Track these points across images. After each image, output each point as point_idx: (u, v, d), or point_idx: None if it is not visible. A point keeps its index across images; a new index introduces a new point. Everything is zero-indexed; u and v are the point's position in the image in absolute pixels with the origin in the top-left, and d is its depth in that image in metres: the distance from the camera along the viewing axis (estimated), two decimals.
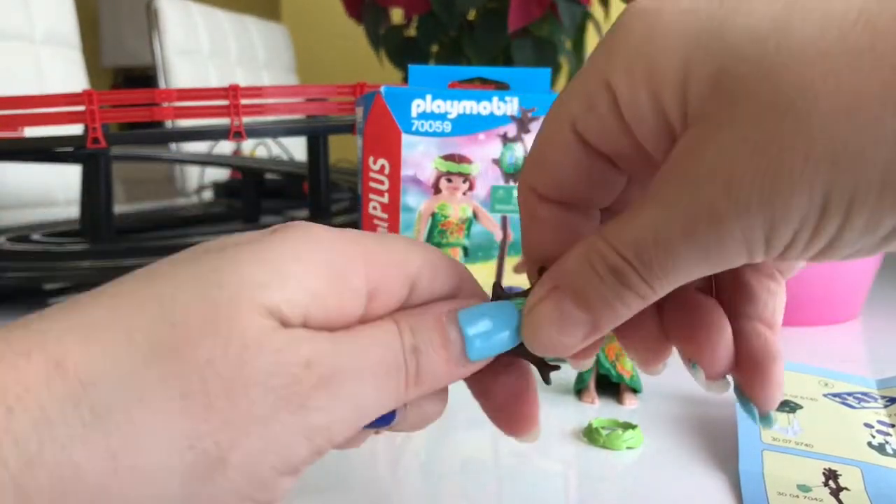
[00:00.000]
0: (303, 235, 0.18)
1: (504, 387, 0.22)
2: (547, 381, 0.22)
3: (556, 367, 0.22)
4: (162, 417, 0.16)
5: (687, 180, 0.16)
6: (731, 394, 0.35)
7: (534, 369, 0.22)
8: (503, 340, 0.20)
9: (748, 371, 0.21)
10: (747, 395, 0.21)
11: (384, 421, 0.20)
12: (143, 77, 3.44)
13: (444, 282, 0.20)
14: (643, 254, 0.17)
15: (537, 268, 0.21)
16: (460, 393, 0.38)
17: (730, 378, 0.21)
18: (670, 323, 0.21)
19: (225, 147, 1.35)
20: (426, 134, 0.40)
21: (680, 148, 0.17)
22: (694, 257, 0.16)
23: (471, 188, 0.41)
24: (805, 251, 0.16)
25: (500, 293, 0.22)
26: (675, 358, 0.45)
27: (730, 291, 0.21)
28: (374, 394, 0.18)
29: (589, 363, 0.22)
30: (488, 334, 0.20)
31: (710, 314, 0.21)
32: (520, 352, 0.21)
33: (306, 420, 0.17)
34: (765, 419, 0.21)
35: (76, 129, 0.61)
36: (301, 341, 0.17)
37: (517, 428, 0.22)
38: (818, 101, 0.14)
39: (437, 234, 0.41)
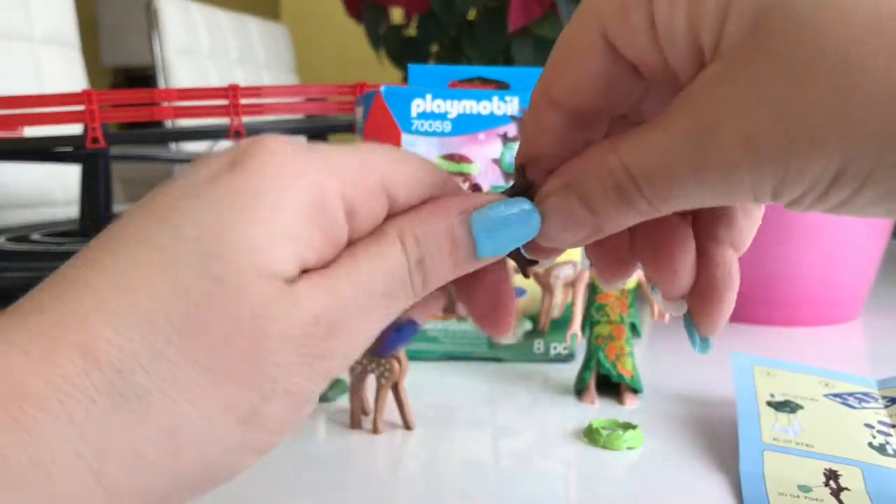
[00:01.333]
0: (269, 168, 0.18)
1: (486, 287, 0.22)
2: (526, 274, 0.22)
3: (535, 262, 0.22)
4: (199, 392, 0.17)
5: (707, 115, 0.16)
6: (730, 394, 0.35)
7: (511, 264, 0.22)
8: (513, 240, 0.20)
9: (704, 295, 0.21)
10: (695, 318, 0.21)
11: (406, 337, 0.21)
12: (142, 77, 3.44)
13: (424, 182, 0.20)
14: (651, 178, 0.17)
15: (523, 164, 0.21)
16: (460, 393, 0.38)
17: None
18: (639, 239, 0.21)
19: (225, 147, 1.35)
20: (426, 133, 0.40)
21: (707, 78, 0.16)
22: (700, 191, 0.17)
23: (471, 188, 0.41)
24: (812, 207, 0.16)
25: (522, 181, 0.21)
26: (674, 358, 0.45)
27: (707, 210, 0.21)
28: (382, 318, 0.19)
29: (557, 256, 0.22)
30: (500, 235, 0.20)
31: (678, 236, 0.21)
32: None
33: (323, 365, 0.18)
34: (704, 344, 0.21)
35: (76, 129, 0.61)
36: (304, 299, 0.17)
37: (498, 327, 0.22)
38: (863, 75, 0.14)
39: None
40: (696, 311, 0.21)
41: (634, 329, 0.37)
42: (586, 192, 0.19)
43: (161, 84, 1.45)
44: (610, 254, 0.22)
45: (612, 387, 0.37)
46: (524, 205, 0.20)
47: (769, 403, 0.32)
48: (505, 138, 0.40)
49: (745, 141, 0.15)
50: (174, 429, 0.16)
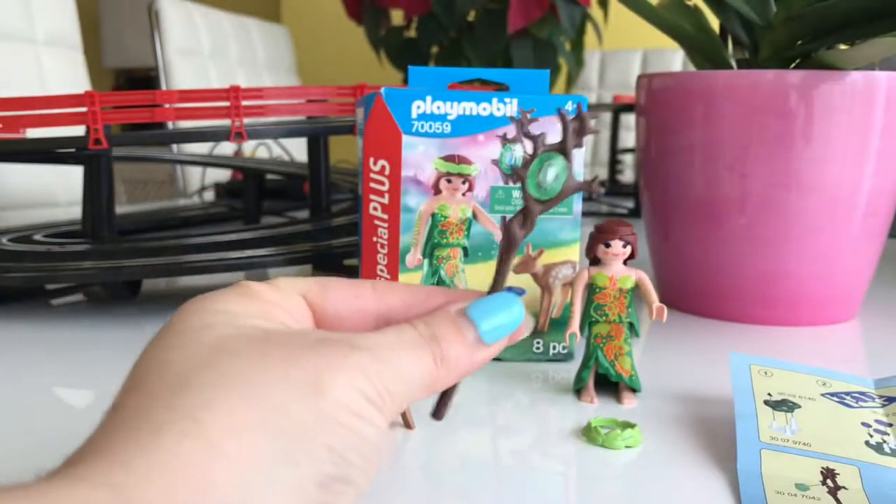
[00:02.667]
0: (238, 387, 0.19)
1: None
2: (439, 417, 0.26)
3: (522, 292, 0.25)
4: None
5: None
6: (728, 393, 0.35)
7: None
8: (510, 323, 0.24)
9: None
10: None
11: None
12: (144, 78, 3.45)
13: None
14: None
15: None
16: (460, 392, 0.38)
17: None
18: None
19: (226, 148, 1.35)
20: (426, 135, 0.40)
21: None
22: None
23: (470, 189, 0.41)
24: None
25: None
26: (672, 357, 0.45)
27: None
28: (414, 367, 0.21)
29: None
30: (496, 318, 0.23)
31: None
32: None
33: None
34: None
35: (78, 131, 0.61)
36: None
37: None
38: None
39: (436, 234, 0.41)
40: None
41: (633, 329, 0.37)
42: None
43: (162, 85, 1.45)
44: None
45: (610, 386, 0.38)
46: (508, 294, 0.24)
47: (766, 402, 0.32)
48: (504, 139, 0.40)
49: None
50: None
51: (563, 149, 0.24)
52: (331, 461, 0.19)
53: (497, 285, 0.25)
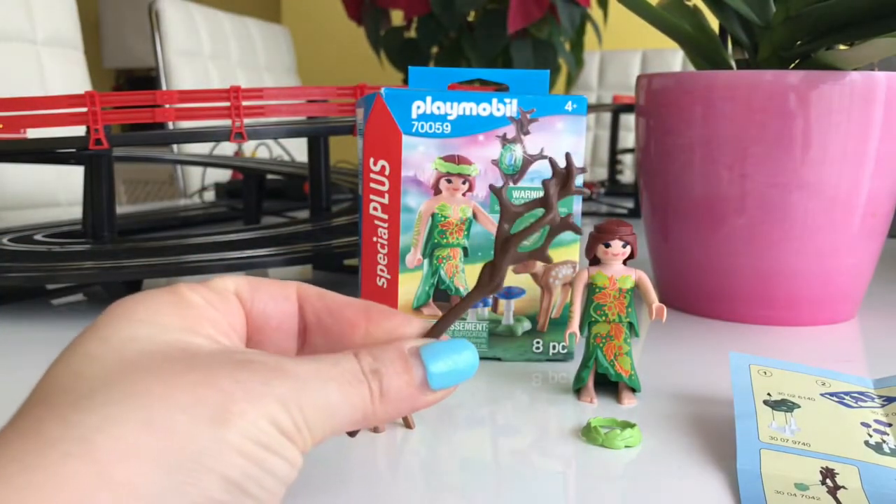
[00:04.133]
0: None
1: None
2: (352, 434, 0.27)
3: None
4: None
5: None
6: (727, 393, 0.35)
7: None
8: (462, 372, 0.23)
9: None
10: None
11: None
12: (144, 78, 3.45)
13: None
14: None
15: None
16: (460, 392, 0.38)
17: None
18: None
19: (226, 148, 1.35)
20: (426, 135, 0.40)
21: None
22: None
23: (470, 189, 0.41)
24: None
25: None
26: (672, 357, 0.45)
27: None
28: (340, 401, 0.21)
29: None
30: (449, 366, 0.23)
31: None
32: None
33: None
34: None
35: (78, 131, 0.61)
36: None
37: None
38: None
39: (436, 234, 0.41)
40: None
41: (633, 328, 0.37)
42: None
43: (163, 86, 1.45)
44: None
45: (610, 386, 0.38)
46: (464, 343, 0.24)
47: (766, 402, 0.32)
48: (504, 140, 0.41)
49: None
50: None
51: (545, 204, 0.24)
52: (224, 490, 0.18)
53: (444, 323, 0.25)
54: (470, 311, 0.42)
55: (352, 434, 0.25)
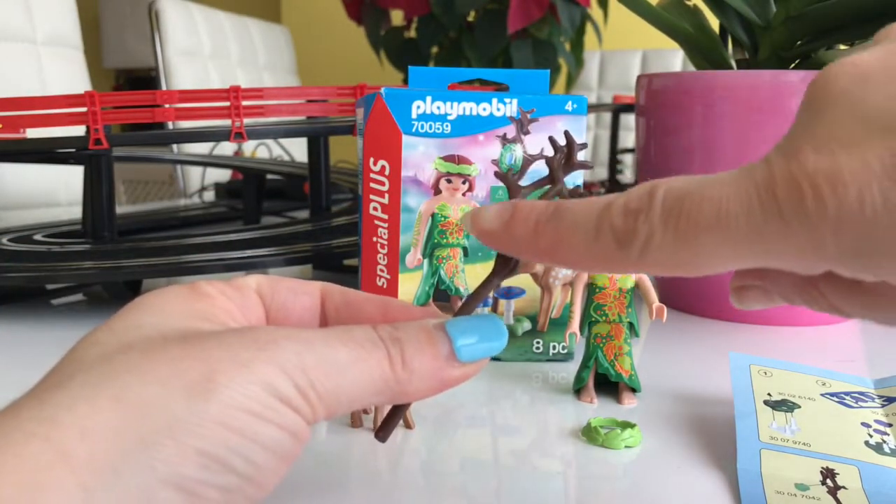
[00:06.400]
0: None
1: None
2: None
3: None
4: None
5: None
6: (728, 393, 0.35)
7: None
8: (492, 345, 0.22)
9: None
10: None
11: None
12: (144, 78, 3.45)
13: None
14: None
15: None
16: (460, 392, 0.38)
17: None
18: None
19: (226, 148, 1.35)
20: (426, 135, 0.40)
21: None
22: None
23: (470, 189, 0.41)
24: None
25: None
26: (672, 357, 0.45)
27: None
28: (350, 361, 0.19)
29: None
30: (474, 336, 0.21)
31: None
32: None
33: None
34: None
35: (78, 131, 0.61)
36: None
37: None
38: None
39: (436, 234, 0.41)
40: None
41: (633, 328, 0.37)
42: None
43: (162, 86, 1.45)
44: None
45: (610, 386, 0.38)
46: (488, 315, 0.22)
47: (766, 402, 0.32)
48: (504, 140, 0.41)
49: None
50: None
51: (552, 179, 0.24)
52: (201, 465, 0.17)
53: (464, 311, 0.24)
54: None
55: (381, 436, 0.23)
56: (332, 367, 0.19)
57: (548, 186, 0.24)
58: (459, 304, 0.24)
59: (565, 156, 0.24)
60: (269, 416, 0.18)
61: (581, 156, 0.25)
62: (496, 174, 0.25)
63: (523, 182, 0.25)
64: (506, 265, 0.23)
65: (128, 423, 0.17)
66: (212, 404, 0.17)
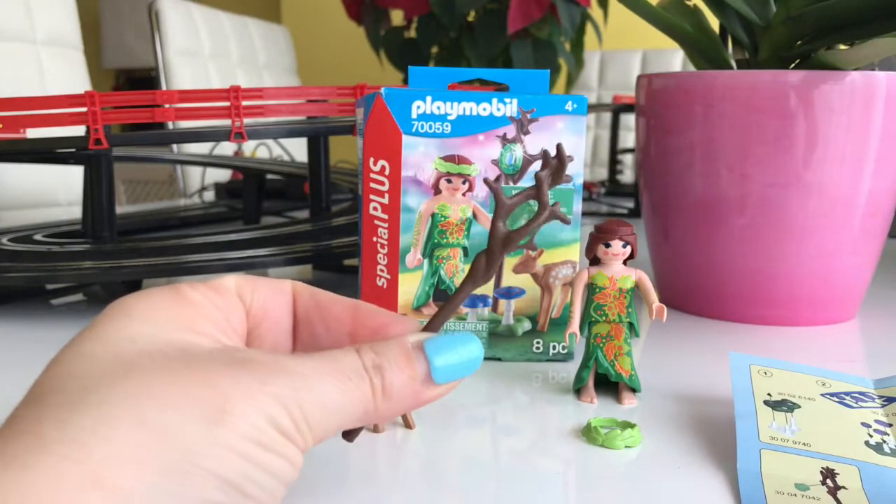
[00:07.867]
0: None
1: None
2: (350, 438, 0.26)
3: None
4: None
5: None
6: (728, 393, 0.35)
7: None
8: (466, 366, 0.23)
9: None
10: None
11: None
12: (144, 78, 3.45)
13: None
14: None
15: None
16: (460, 392, 0.38)
17: None
18: None
19: (226, 148, 1.35)
20: (426, 135, 0.40)
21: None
22: None
23: (470, 189, 0.41)
24: None
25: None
26: (672, 357, 0.45)
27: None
28: (340, 397, 0.21)
29: None
30: (453, 360, 0.23)
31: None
32: None
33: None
34: None
35: (78, 131, 0.61)
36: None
37: None
38: None
39: (436, 234, 0.41)
40: None
41: (633, 328, 0.37)
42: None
43: (162, 86, 1.45)
44: None
45: (610, 386, 0.38)
46: (471, 336, 0.23)
47: (766, 402, 0.32)
48: (504, 140, 0.41)
49: None
50: None
51: (538, 197, 0.25)
52: (220, 490, 0.18)
53: (440, 318, 0.25)
54: (470, 311, 0.42)
55: (349, 438, 0.25)
56: (324, 404, 0.20)
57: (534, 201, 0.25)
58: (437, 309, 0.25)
59: (554, 171, 0.25)
60: (273, 447, 0.19)
61: (568, 169, 0.26)
62: (486, 181, 0.25)
63: (523, 182, 0.25)
64: (487, 271, 0.25)
65: (155, 449, 0.17)
66: (227, 433, 0.18)
